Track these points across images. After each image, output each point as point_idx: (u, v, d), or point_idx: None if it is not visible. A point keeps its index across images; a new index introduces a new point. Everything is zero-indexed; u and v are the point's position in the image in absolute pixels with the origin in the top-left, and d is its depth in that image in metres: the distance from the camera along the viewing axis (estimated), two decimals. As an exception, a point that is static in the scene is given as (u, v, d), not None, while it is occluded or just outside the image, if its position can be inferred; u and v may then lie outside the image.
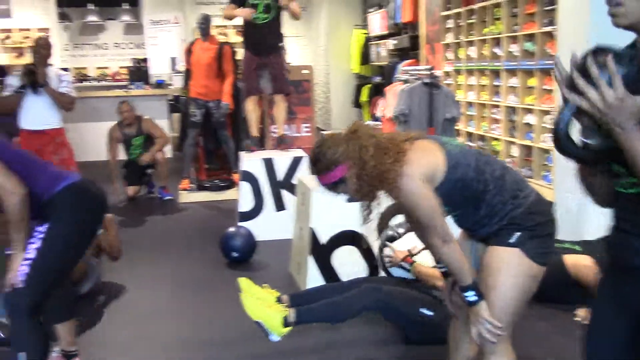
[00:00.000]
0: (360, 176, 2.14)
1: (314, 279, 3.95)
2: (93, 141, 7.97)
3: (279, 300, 3.12)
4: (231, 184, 7.05)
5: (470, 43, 7.55)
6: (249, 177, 5.40)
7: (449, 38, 8.11)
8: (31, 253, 2.60)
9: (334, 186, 2.21)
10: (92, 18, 13.41)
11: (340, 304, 3.18)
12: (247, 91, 6.01)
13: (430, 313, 3.25)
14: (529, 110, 6.38)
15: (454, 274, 2.23)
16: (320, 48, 12.72)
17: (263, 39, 5.83)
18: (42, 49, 5.30)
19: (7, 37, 12.92)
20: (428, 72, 5.97)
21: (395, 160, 2.11)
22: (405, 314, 3.26)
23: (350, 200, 2.36)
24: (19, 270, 2.58)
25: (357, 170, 2.13)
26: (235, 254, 4.77)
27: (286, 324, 3.00)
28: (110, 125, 7.04)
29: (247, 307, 2.97)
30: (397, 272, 3.51)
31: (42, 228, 2.65)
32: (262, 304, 3.01)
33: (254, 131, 6.05)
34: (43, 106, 5.31)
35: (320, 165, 2.18)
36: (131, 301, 4.17)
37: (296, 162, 5.44)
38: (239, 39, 13.19)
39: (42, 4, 12.71)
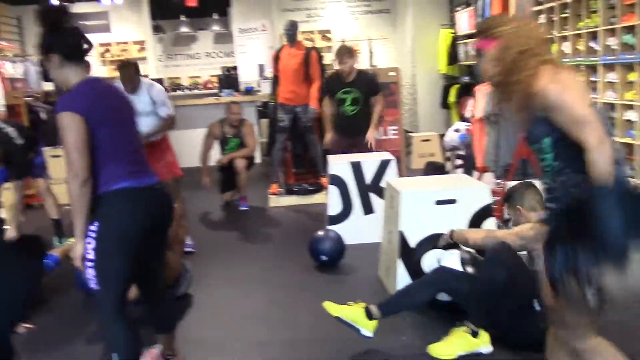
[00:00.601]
0: (500, 59, 2.21)
1: (403, 283, 3.90)
2: (186, 148, 8.24)
3: (367, 309, 3.26)
4: (319, 188, 7.09)
5: (564, 38, 7.26)
6: (337, 181, 5.42)
7: (541, 34, 7.82)
8: (90, 254, 2.61)
9: (477, 53, 2.35)
10: (184, 29, 13.90)
11: (414, 288, 3.43)
12: None
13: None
14: (630, 107, 6.06)
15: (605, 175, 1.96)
16: (406, 49, 12.60)
17: (351, 126, 6.21)
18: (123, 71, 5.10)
19: (107, 51, 13.60)
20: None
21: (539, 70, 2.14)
22: (472, 296, 3.27)
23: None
24: (88, 273, 2.63)
25: (500, 54, 2.22)
26: (324, 258, 4.80)
27: (370, 316, 3.19)
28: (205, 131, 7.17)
29: (326, 305, 3.25)
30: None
31: (94, 227, 2.61)
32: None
33: None
34: (144, 124, 5.01)
35: (480, 28, 2.39)
36: (225, 302, 4.27)
37: (384, 165, 5.40)
38: (325, 43, 13.33)
39: (138, 18, 13.31)
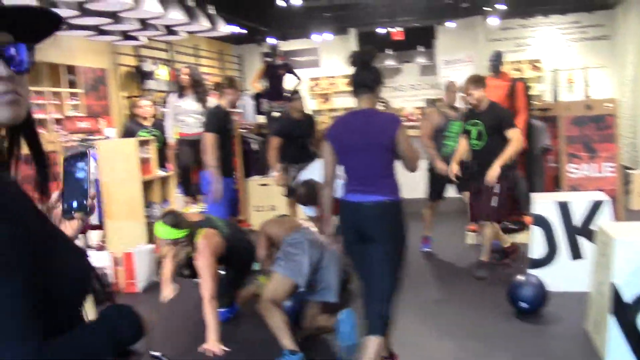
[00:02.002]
0: None
1: (616, 343, 3.45)
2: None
3: None
4: (522, 227, 6.65)
5: None
6: (541, 221, 5.02)
7: None
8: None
9: None
10: (390, 62, 14.13)
11: None
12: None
13: None
14: None
15: None
16: (627, 78, 11.52)
17: (477, 164, 5.50)
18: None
19: (316, 85, 14.28)
20: None
21: None
22: None
23: None
24: None
25: None
26: (523, 304, 4.44)
27: None
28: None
29: None
30: None
31: None
32: None
33: None
34: None
35: None
36: (415, 341, 4.12)
37: (596, 206, 4.90)
38: (534, 73, 12.71)
39: (346, 53, 13.79)
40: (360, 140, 3.29)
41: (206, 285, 3.98)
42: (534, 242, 5.07)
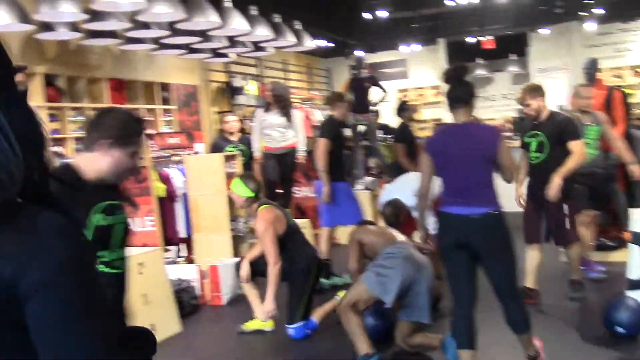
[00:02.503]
0: None
1: None
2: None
3: None
4: (621, 244, 6.25)
5: None
6: (640, 239, 4.69)
7: None
8: None
9: None
10: (481, 72, 13.81)
11: None
12: (526, 237, 5.16)
13: None
14: None
15: None
16: None
17: (535, 177, 5.06)
18: None
19: (404, 96, 14.14)
20: None
21: None
22: None
23: None
24: None
25: None
26: (620, 329, 4.15)
27: None
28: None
29: None
30: None
31: None
32: None
33: None
34: None
35: None
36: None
37: (703, 223, 4.52)
38: (636, 80, 12.00)
39: (434, 63, 13.61)
40: (461, 153, 3.40)
41: (268, 250, 4.50)
42: (633, 262, 4.73)
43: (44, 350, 0.83)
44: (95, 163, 2.15)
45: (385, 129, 10.03)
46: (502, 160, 3.39)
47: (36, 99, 6.98)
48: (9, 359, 0.84)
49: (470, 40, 12.86)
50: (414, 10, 11.93)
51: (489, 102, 13.90)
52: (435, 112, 13.54)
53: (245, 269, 4.75)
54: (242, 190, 4.66)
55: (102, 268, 2.10)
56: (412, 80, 14.21)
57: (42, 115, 6.94)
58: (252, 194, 4.65)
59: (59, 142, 7.45)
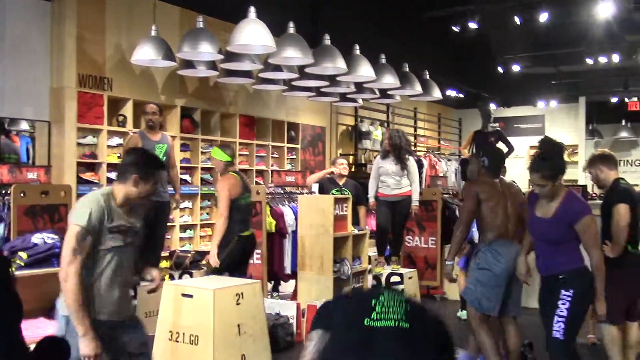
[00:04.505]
0: None
1: None
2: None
3: None
4: None
5: None
6: None
7: None
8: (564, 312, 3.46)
9: None
10: (624, 134, 13.04)
11: None
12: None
13: None
14: None
15: None
16: None
17: None
18: None
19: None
20: None
21: None
22: None
23: None
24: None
25: None
26: None
27: None
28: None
29: None
30: None
31: (569, 292, 3.47)
32: None
33: None
34: None
35: None
36: None
37: None
38: None
39: (573, 122, 13.05)
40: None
41: (220, 204, 5.12)
42: None
43: None
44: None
45: None
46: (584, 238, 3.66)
47: (172, 130, 7.55)
48: None
49: (614, 100, 12.20)
50: (554, 66, 11.56)
51: (632, 167, 13.06)
52: (570, 172, 12.90)
53: None
54: (221, 156, 5.32)
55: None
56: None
57: (176, 145, 7.49)
58: (229, 159, 5.32)
59: (189, 170, 7.97)
